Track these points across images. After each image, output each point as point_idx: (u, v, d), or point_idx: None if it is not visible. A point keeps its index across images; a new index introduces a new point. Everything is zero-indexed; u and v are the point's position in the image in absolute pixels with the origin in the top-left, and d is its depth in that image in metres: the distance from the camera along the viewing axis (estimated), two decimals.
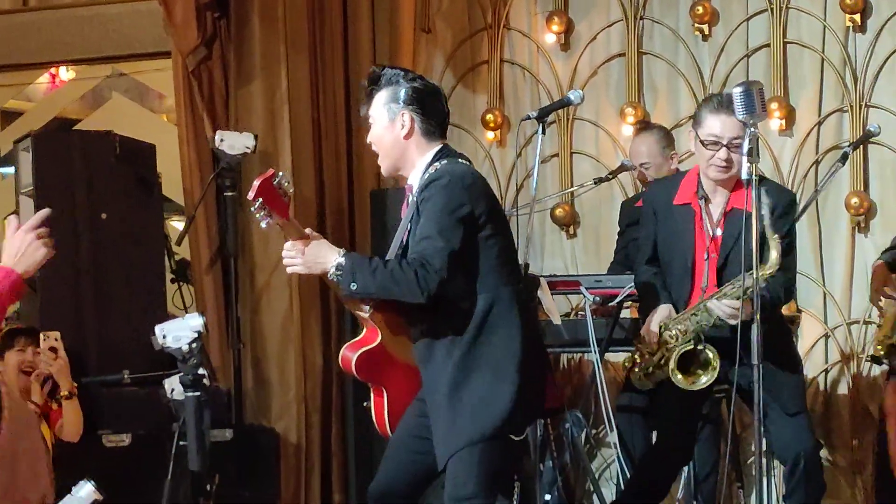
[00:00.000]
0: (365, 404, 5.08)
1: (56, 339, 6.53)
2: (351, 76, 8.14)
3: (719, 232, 5.75)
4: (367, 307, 4.89)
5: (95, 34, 8.93)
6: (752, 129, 4.95)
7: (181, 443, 5.50)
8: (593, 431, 7.61)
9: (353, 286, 4.70)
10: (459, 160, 4.85)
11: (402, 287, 4.65)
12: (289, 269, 4.87)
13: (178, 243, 7.72)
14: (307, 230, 4.82)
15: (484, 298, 4.74)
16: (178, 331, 5.08)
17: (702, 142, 5.59)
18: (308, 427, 7.81)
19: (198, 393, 5.19)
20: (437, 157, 4.83)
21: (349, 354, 4.94)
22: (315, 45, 7.96)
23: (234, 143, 7.46)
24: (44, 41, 8.89)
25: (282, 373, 7.80)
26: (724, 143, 5.54)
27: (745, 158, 4.92)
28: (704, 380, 5.69)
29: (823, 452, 7.27)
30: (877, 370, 7.14)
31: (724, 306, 5.55)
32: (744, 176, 4.94)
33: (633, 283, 6.36)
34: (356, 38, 8.13)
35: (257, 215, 4.69)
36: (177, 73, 7.88)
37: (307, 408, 7.79)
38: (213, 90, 7.89)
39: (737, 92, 5.00)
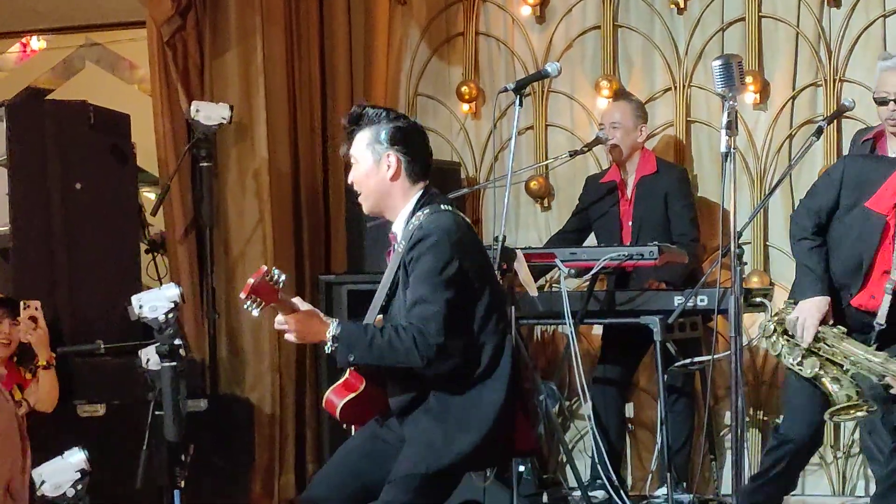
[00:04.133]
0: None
1: (36, 309, 6.50)
2: (326, 49, 8.13)
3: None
4: None
5: (68, 3, 8.89)
6: (731, 103, 4.97)
7: (157, 412, 5.51)
8: (567, 403, 7.65)
9: (351, 357, 4.60)
10: (443, 206, 4.72)
11: (401, 355, 4.54)
12: (285, 336, 4.74)
13: (154, 213, 7.71)
14: (296, 301, 4.67)
15: (472, 354, 4.64)
16: (155, 301, 5.07)
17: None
18: (282, 396, 7.81)
19: (174, 363, 5.18)
20: (419, 204, 4.72)
21: (335, 401, 4.82)
22: (290, 17, 7.94)
23: (209, 113, 7.44)
24: (16, 10, 8.84)
25: (256, 343, 7.79)
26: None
27: (723, 132, 4.93)
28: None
29: None
30: None
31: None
32: (722, 150, 4.95)
33: (608, 256, 6.47)
34: (331, 10, 8.12)
35: (246, 306, 4.52)
36: (151, 43, 7.84)
37: (281, 378, 7.79)
38: (187, 60, 7.85)
39: (716, 65, 5.01)
